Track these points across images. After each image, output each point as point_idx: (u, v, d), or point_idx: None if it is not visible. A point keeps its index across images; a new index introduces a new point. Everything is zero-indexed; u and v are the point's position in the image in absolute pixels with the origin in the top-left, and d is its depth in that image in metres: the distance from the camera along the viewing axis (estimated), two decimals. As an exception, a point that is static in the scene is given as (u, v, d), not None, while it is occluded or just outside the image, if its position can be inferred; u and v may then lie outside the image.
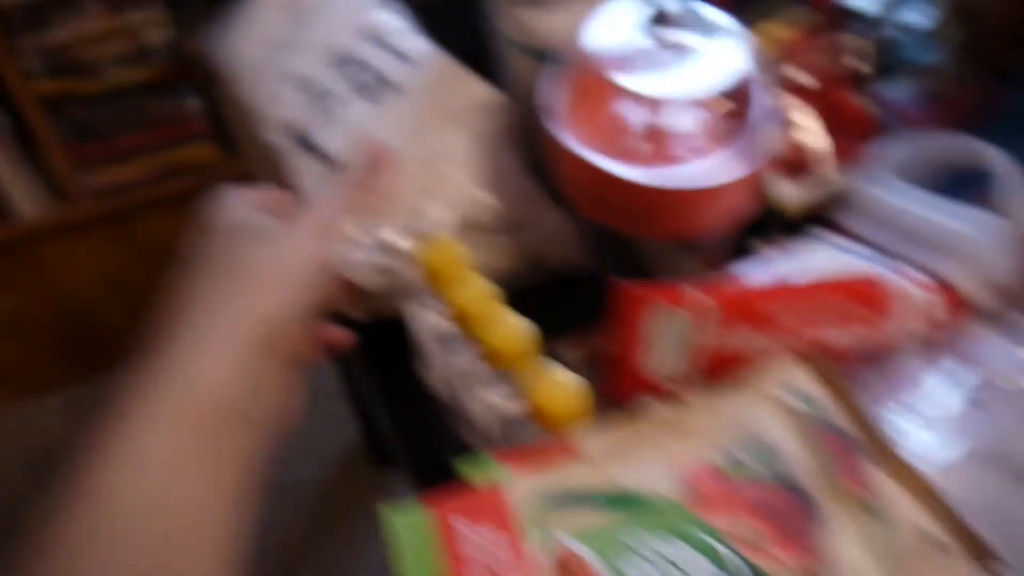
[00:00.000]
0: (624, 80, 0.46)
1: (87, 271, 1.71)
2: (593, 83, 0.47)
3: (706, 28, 0.47)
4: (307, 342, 0.43)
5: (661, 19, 0.47)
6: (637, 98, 0.45)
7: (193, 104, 1.68)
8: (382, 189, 0.47)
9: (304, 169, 0.52)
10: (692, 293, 0.41)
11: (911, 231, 0.51)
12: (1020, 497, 0.41)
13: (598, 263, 0.55)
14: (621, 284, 0.41)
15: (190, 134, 1.72)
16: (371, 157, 0.48)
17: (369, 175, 0.47)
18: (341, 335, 0.47)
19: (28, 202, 1.70)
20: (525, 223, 0.54)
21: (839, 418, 0.41)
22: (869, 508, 0.37)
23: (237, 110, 0.60)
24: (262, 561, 0.42)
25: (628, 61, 0.46)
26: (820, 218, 0.55)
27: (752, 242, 0.55)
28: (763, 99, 0.45)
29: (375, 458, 1.36)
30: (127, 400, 0.37)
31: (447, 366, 0.46)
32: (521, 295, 0.45)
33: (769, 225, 0.55)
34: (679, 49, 0.46)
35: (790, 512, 0.36)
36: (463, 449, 0.50)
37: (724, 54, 0.47)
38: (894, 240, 0.52)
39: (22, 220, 1.70)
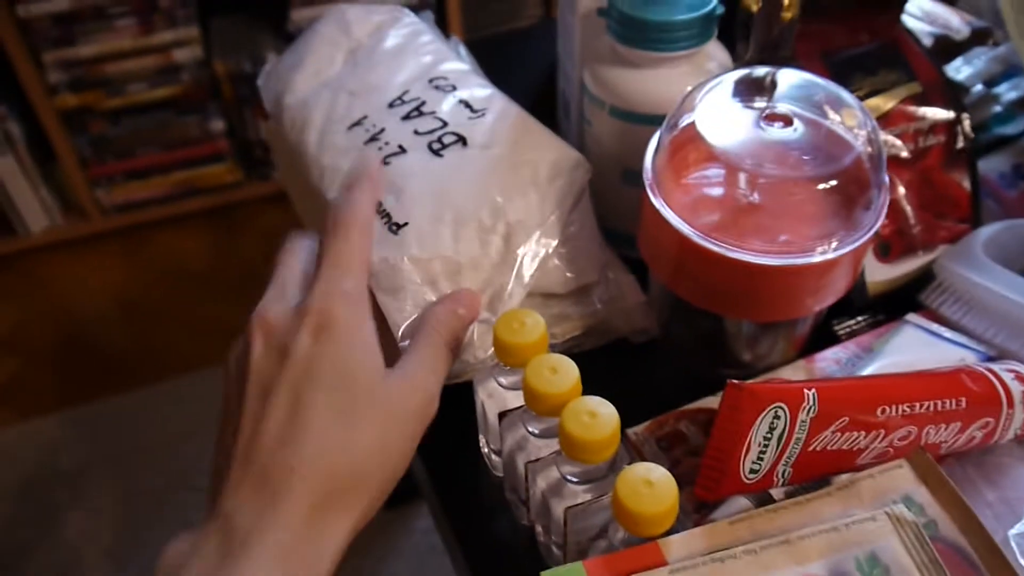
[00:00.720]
0: (723, 150, 0.43)
1: (95, 288, 1.68)
2: (690, 151, 0.44)
3: (815, 99, 0.44)
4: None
5: (766, 88, 0.44)
6: (736, 169, 0.42)
7: (218, 124, 1.66)
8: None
9: None
10: (801, 389, 0.38)
11: (1005, 317, 0.48)
12: None
13: (671, 337, 0.52)
14: (736, 382, 0.37)
15: (212, 154, 1.70)
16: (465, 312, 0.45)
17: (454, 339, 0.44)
18: None
19: (39, 216, 1.67)
20: (596, 290, 0.50)
21: (949, 528, 0.37)
22: (996, 643, 0.33)
23: (291, 152, 0.57)
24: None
25: (729, 130, 0.43)
26: (905, 299, 0.52)
27: (835, 323, 0.52)
28: (872, 175, 0.42)
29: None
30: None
31: (512, 445, 0.43)
32: (588, 365, 0.41)
33: (853, 305, 0.52)
34: (784, 120, 0.43)
35: (910, 644, 0.33)
36: (513, 526, 0.47)
37: (832, 127, 0.44)
38: (987, 326, 0.49)
39: (30, 234, 1.67)
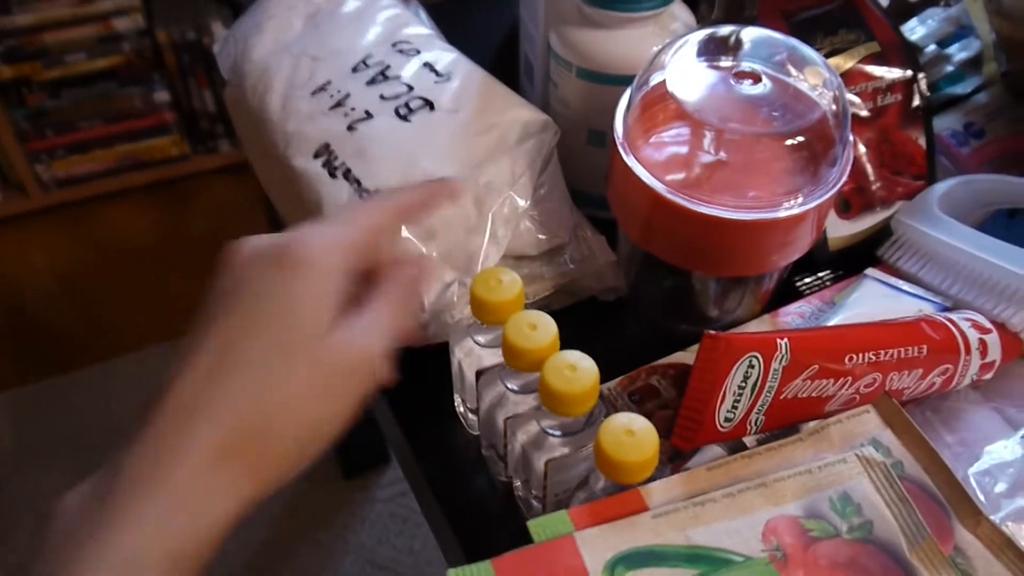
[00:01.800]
0: (694, 107, 0.43)
1: (39, 266, 1.64)
2: (660, 109, 0.44)
3: (781, 58, 0.45)
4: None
5: (733, 47, 0.45)
6: (706, 126, 0.43)
7: (162, 95, 1.62)
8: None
9: (334, 196, 0.48)
10: (775, 339, 0.39)
11: (960, 269, 0.50)
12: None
13: (639, 294, 0.53)
14: (712, 333, 0.38)
15: (157, 126, 1.65)
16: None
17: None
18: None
19: (-22, 192, 1.62)
20: (567, 250, 0.51)
21: (915, 468, 0.39)
22: (960, 570, 0.35)
23: (253, 119, 0.56)
24: (226, 573, 0.38)
25: (699, 88, 0.44)
26: (865, 254, 0.53)
27: (798, 280, 0.53)
28: (837, 132, 0.44)
29: (344, 470, 1.31)
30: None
31: (490, 402, 0.44)
32: (558, 324, 0.41)
33: (815, 260, 0.53)
34: (753, 78, 0.44)
35: (882, 574, 0.34)
36: (491, 482, 0.47)
37: (798, 84, 0.44)
38: (943, 278, 0.50)
39: (-30, 211, 1.63)
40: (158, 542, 0.31)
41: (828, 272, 0.54)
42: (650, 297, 0.53)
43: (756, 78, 0.44)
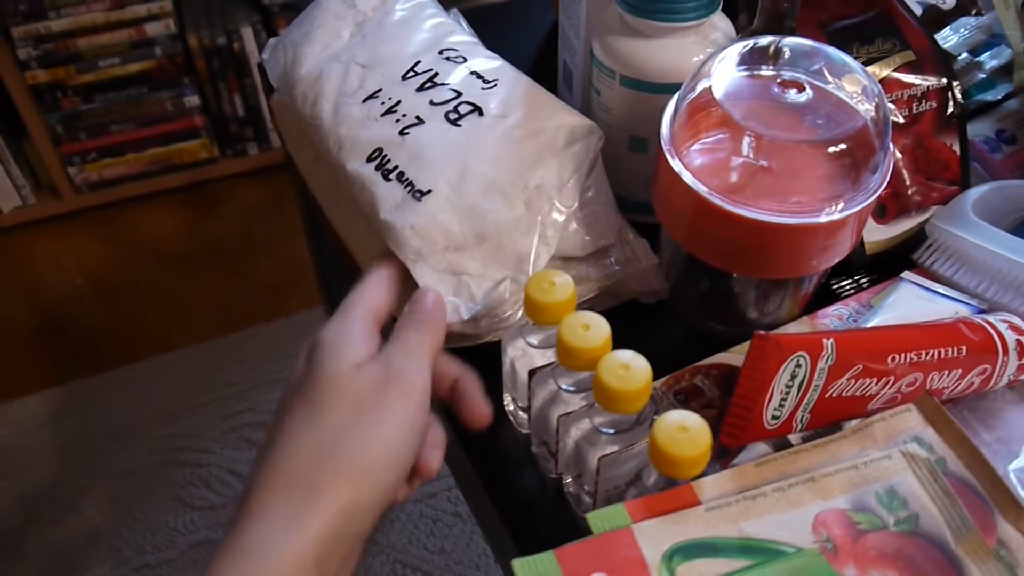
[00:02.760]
0: (739, 115, 0.45)
1: (71, 267, 1.67)
2: (705, 116, 0.46)
3: (823, 67, 0.46)
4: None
5: (776, 56, 0.47)
6: (750, 133, 0.45)
7: (192, 99, 1.64)
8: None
9: (388, 196, 0.50)
10: (821, 339, 0.41)
11: (995, 272, 0.51)
12: None
13: (681, 297, 0.54)
14: (762, 332, 0.40)
15: (187, 130, 1.68)
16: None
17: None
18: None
19: (11, 195, 1.65)
20: (612, 253, 0.53)
21: (957, 465, 0.40)
22: (1005, 562, 0.37)
23: (303, 125, 0.58)
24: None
25: (744, 96, 0.45)
26: (900, 258, 0.55)
27: (834, 283, 0.55)
28: (878, 140, 0.45)
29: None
30: None
31: (543, 400, 0.45)
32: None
33: (852, 264, 0.54)
34: (797, 87, 0.46)
35: (929, 564, 0.36)
36: (540, 479, 0.49)
37: (840, 93, 0.46)
38: (978, 281, 0.52)
39: (1, 214, 1.65)
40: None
41: (864, 275, 0.55)
42: (691, 299, 0.54)
43: (800, 87, 0.45)
